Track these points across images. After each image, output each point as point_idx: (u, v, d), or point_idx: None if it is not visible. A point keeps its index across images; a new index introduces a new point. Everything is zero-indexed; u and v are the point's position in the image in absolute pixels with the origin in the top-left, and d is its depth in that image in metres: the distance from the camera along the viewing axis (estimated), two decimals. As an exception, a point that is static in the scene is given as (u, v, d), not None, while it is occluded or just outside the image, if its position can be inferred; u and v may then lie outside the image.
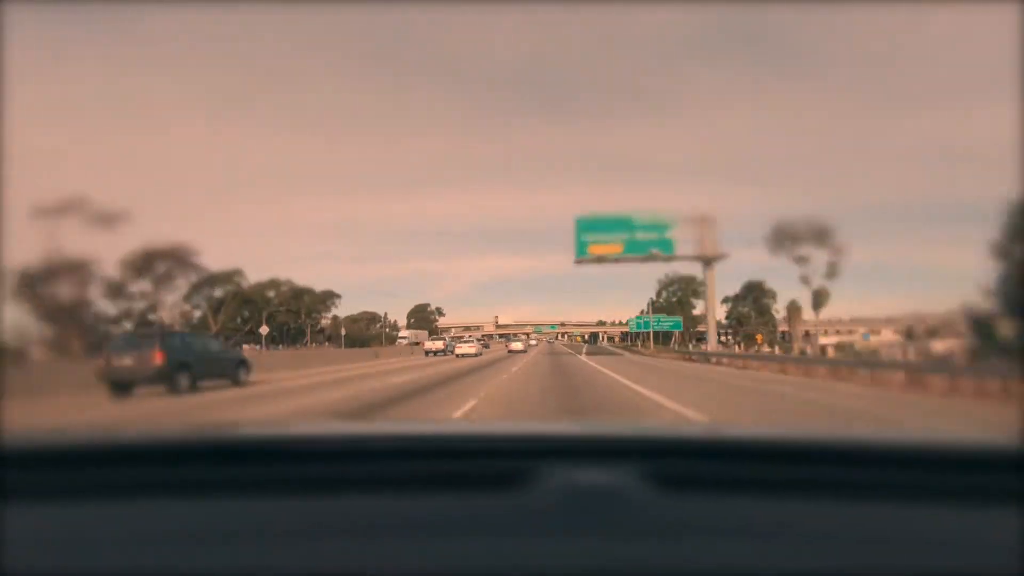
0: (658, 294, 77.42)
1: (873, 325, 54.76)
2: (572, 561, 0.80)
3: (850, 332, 59.95)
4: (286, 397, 14.36)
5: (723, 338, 59.72)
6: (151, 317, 47.02)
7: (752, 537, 0.87)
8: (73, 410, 12.34)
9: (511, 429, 1.50)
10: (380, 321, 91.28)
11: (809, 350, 41.48)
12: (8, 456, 1.10)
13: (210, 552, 0.85)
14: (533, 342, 57.79)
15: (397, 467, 1.09)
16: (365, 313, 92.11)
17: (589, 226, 37.28)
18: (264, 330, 49.67)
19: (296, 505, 0.98)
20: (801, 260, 41.48)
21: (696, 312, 69.81)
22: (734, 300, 67.17)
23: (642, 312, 77.75)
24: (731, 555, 0.83)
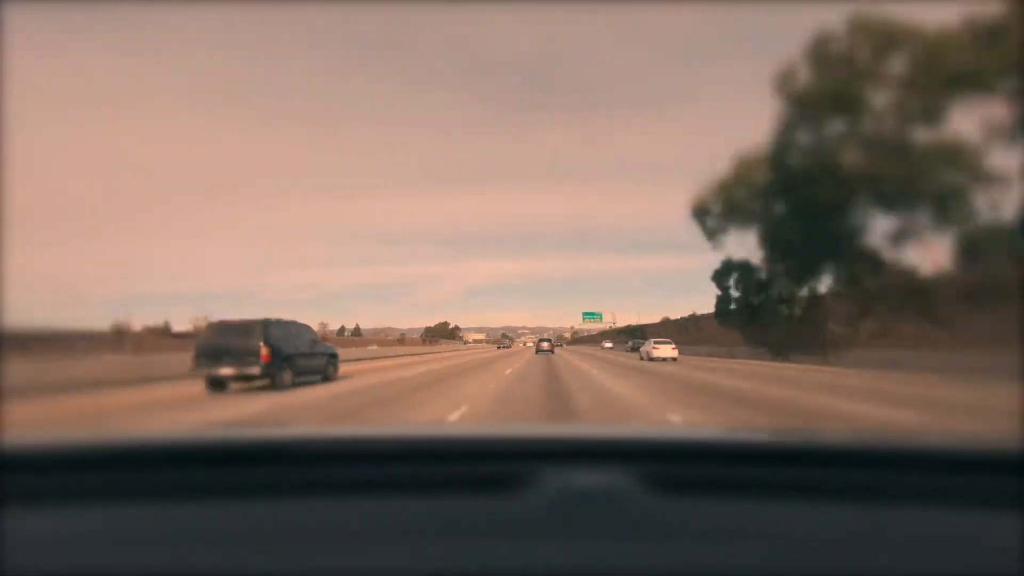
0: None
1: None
2: (569, 564, 0.80)
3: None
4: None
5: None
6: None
7: (748, 539, 0.86)
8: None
9: (508, 432, 1.47)
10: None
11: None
12: (8, 459, 1.09)
13: (209, 554, 0.85)
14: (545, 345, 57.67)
15: (395, 470, 1.08)
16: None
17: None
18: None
19: (294, 507, 0.97)
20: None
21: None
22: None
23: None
24: (727, 557, 0.82)
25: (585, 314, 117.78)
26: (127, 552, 0.86)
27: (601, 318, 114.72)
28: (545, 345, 49.91)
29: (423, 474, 1.06)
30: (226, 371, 11.69)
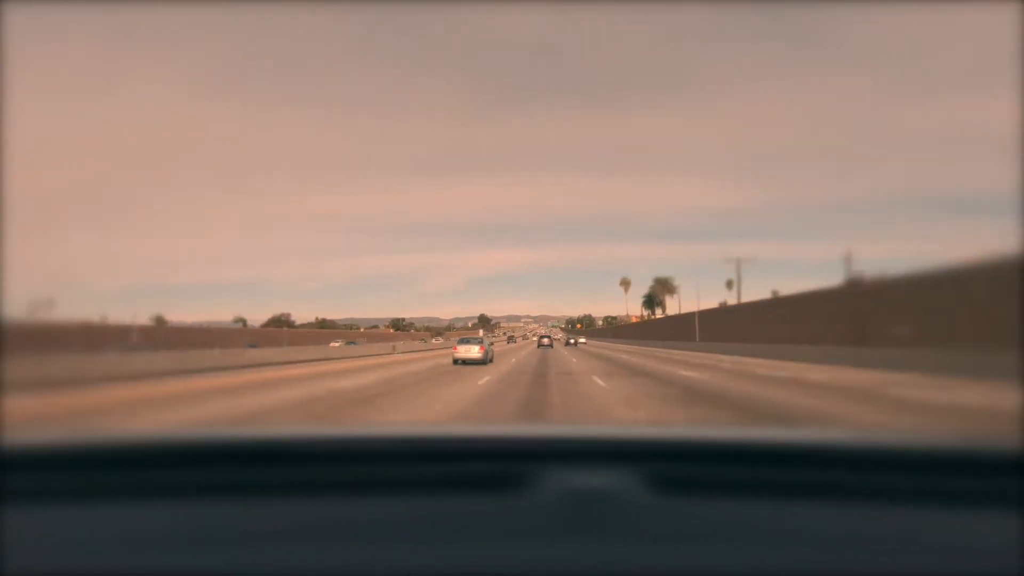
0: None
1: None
2: (570, 564, 0.80)
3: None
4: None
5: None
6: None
7: (749, 540, 0.86)
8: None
9: (509, 431, 1.48)
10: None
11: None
12: (8, 458, 1.09)
13: (210, 554, 0.85)
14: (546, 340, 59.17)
15: (395, 469, 1.08)
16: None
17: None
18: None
19: (295, 507, 0.97)
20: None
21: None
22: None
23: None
24: (728, 558, 0.82)
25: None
26: (126, 551, 0.86)
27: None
28: (545, 341, 57.84)
29: (423, 473, 1.07)
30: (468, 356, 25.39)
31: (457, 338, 28.41)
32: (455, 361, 25.38)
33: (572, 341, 71.92)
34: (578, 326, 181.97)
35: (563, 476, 0.98)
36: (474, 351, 25.28)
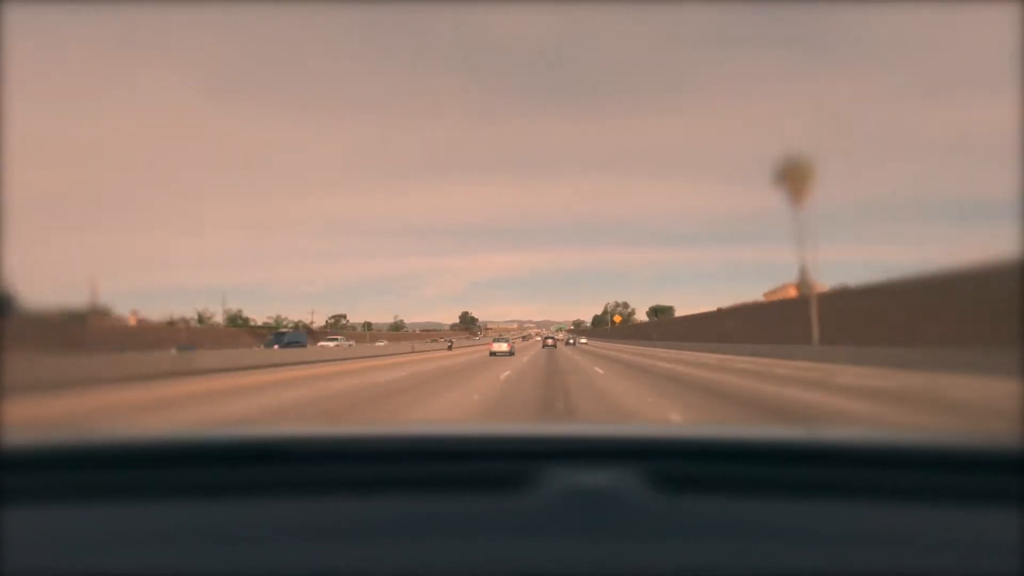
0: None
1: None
2: (573, 563, 0.81)
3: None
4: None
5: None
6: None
7: (752, 538, 0.88)
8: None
9: (511, 430, 1.49)
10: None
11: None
12: (8, 458, 1.09)
13: (210, 554, 0.86)
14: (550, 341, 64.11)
15: (400, 469, 1.10)
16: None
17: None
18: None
19: (297, 506, 0.99)
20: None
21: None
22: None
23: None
24: (730, 556, 0.83)
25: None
26: (125, 551, 0.87)
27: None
28: (549, 342, 63.60)
29: (427, 472, 1.08)
30: (501, 349, 36.33)
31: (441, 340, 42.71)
32: (491, 354, 36.19)
33: (572, 341, 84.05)
34: (616, 317, 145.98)
35: (566, 475, 0.99)
36: (504, 347, 36.86)
